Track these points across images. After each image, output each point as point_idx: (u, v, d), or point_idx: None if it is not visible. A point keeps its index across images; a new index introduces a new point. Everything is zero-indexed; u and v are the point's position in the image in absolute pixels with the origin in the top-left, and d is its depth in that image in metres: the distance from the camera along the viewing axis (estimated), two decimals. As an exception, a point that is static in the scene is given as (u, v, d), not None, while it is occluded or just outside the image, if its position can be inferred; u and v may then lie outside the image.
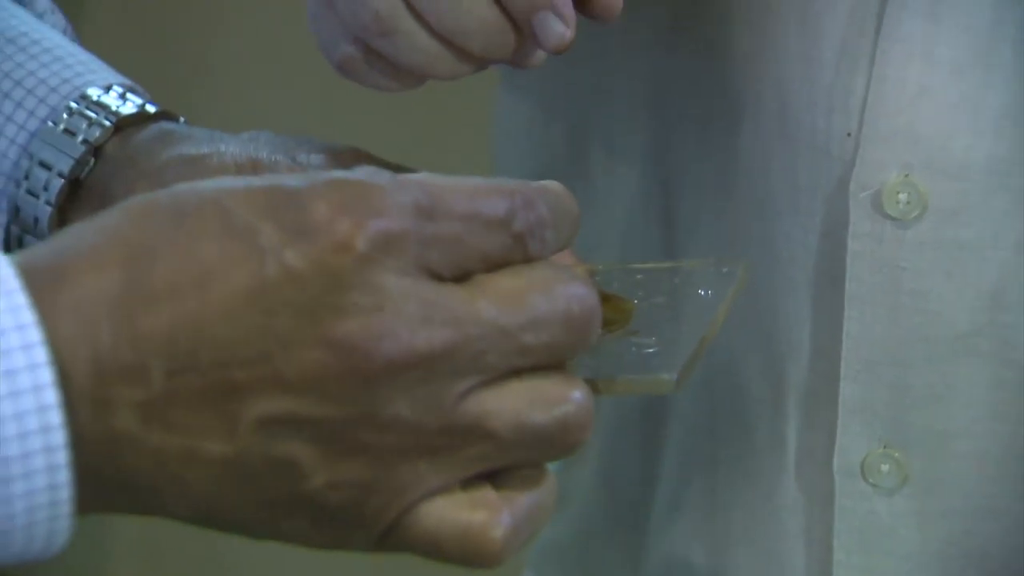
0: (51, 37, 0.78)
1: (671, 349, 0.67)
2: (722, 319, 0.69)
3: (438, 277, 0.57)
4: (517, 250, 0.59)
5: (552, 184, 0.63)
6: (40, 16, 0.80)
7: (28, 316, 0.55)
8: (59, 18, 0.81)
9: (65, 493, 0.55)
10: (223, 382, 0.57)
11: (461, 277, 0.58)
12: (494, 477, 0.58)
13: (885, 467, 0.79)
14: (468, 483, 0.58)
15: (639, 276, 0.72)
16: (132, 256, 0.58)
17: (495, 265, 0.59)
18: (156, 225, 0.59)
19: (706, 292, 0.71)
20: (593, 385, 0.66)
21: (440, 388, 0.57)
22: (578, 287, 0.59)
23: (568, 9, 0.69)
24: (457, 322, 0.57)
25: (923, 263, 0.77)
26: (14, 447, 0.55)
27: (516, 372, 0.58)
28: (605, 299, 0.65)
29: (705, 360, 0.69)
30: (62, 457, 0.55)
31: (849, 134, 0.77)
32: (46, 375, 0.55)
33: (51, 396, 0.55)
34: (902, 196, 0.77)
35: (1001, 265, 0.76)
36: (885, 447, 0.79)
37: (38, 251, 0.57)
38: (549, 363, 0.59)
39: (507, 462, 0.58)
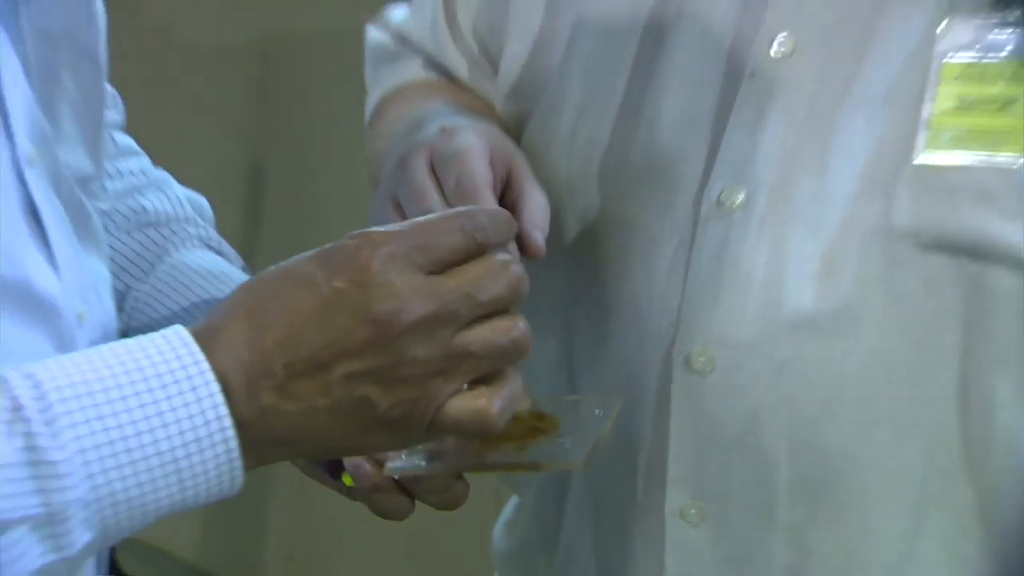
0: (236, 272, 0.82)
1: (580, 446, 0.69)
2: (609, 428, 0.71)
3: (424, 271, 0.58)
4: (472, 244, 0.60)
5: (489, 206, 0.66)
6: (230, 260, 0.84)
7: (200, 356, 0.57)
8: (239, 260, 0.85)
9: (236, 454, 0.57)
10: (316, 361, 0.58)
11: (441, 270, 0.59)
12: (485, 380, 0.60)
13: (693, 511, 0.79)
14: (471, 386, 0.60)
15: (561, 404, 0.74)
16: (251, 312, 0.58)
17: (462, 257, 0.59)
18: (260, 292, 0.59)
19: (600, 412, 0.72)
20: (536, 466, 0.67)
21: (438, 334, 0.58)
22: (513, 267, 0.61)
23: (515, 252, 0.71)
24: (439, 295, 0.58)
25: (714, 397, 0.76)
26: (203, 431, 0.56)
27: (481, 318, 0.59)
28: (542, 416, 0.68)
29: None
30: (231, 433, 0.57)
31: (671, 325, 0.77)
32: (215, 386, 0.57)
33: (220, 398, 0.56)
34: (702, 359, 0.76)
35: (755, 399, 0.75)
36: (693, 500, 0.79)
37: (200, 322, 0.59)
38: (501, 310, 0.60)
39: (489, 369, 0.60)
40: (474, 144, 0.73)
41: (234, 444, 0.56)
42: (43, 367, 0.55)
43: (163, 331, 0.57)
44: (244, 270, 0.82)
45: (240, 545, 1.94)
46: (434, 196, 0.72)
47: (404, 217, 0.73)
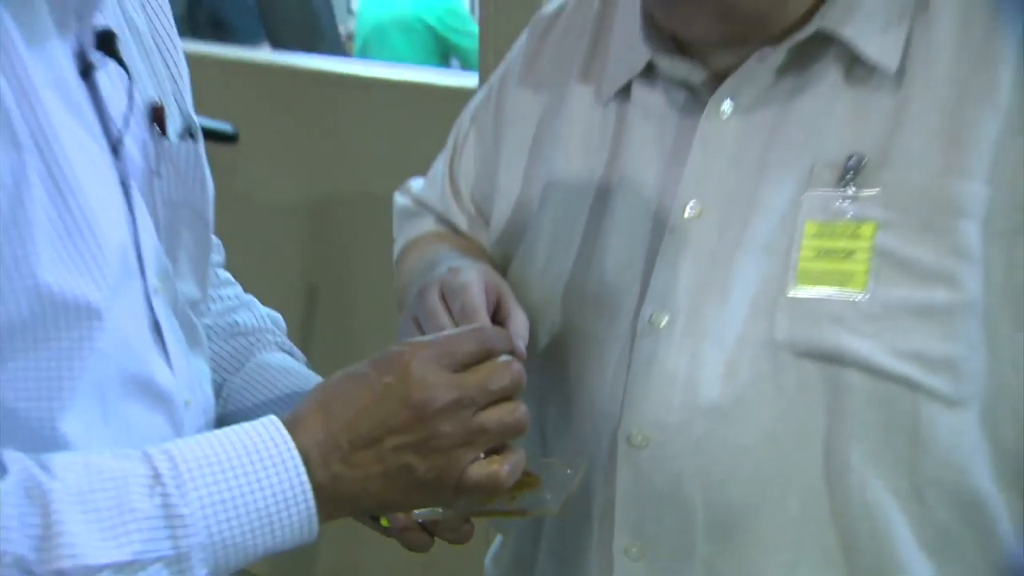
0: (303, 368, 0.84)
1: (556, 497, 0.71)
2: (577, 484, 0.73)
3: (450, 369, 0.61)
4: (483, 350, 0.62)
5: (498, 328, 0.67)
6: (298, 359, 0.86)
7: (288, 438, 0.60)
8: (304, 359, 0.87)
9: (314, 511, 0.60)
10: (371, 437, 0.60)
11: (462, 368, 0.61)
12: (496, 450, 0.63)
13: (634, 549, 0.79)
14: (486, 455, 0.62)
15: (540, 464, 0.74)
16: (323, 405, 0.61)
17: (477, 360, 0.62)
18: (329, 390, 0.62)
19: (570, 472, 0.74)
20: (523, 512, 0.70)
21: (461, 415, 0.61)
22: (516, 366, 0.63)
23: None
24: (461, 386, 0.61)
25: (649, 465, 0.77)
26: (289, 493, 0.59)
27: (493, 403, 0.62)
28: (527, 474, 0.69)
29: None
30: (311, 495, 0.60)
31: (616, 412, 0.77)
32: (299, 460, 0.60)
33: (302, 469, 0.60)
34: (639, 437, 0.77)
35: (679, 467, 0.75)
36: (634, 540, 0.79)
37: (288, 413, 0.61)
38: (507, 397, 0.62)
39: (498, 442, 0.63)
40: (473, 279, 0.75)
41: (312, 503, 0.59)
42: (175, 445, 0.59)
43: (261, 420, 0.61)
44: (307, 366, 0.84)
45: (296, 566, 1.94)
46: (444, 317, 0.74)
47: (423, 333, 0.74)
